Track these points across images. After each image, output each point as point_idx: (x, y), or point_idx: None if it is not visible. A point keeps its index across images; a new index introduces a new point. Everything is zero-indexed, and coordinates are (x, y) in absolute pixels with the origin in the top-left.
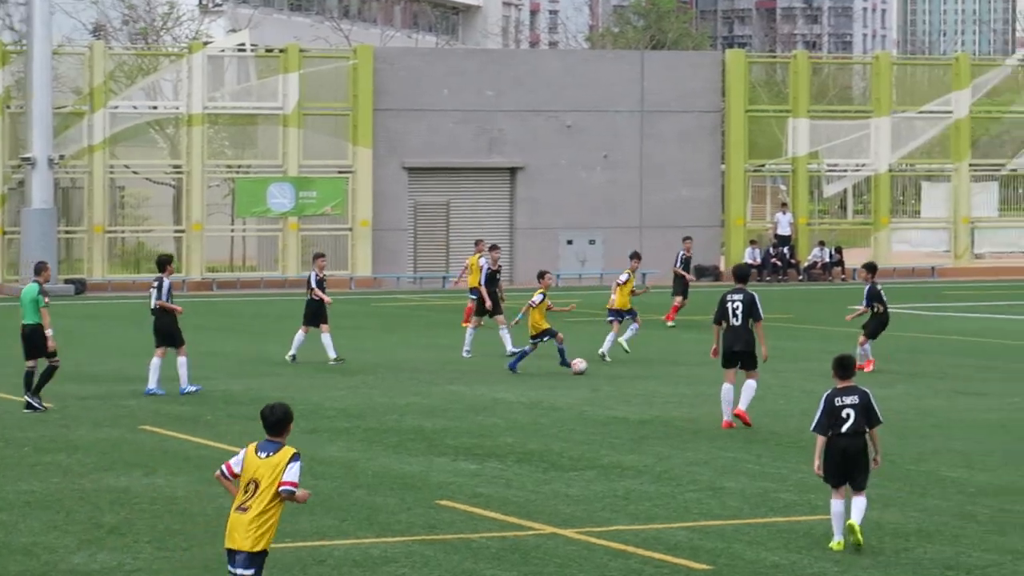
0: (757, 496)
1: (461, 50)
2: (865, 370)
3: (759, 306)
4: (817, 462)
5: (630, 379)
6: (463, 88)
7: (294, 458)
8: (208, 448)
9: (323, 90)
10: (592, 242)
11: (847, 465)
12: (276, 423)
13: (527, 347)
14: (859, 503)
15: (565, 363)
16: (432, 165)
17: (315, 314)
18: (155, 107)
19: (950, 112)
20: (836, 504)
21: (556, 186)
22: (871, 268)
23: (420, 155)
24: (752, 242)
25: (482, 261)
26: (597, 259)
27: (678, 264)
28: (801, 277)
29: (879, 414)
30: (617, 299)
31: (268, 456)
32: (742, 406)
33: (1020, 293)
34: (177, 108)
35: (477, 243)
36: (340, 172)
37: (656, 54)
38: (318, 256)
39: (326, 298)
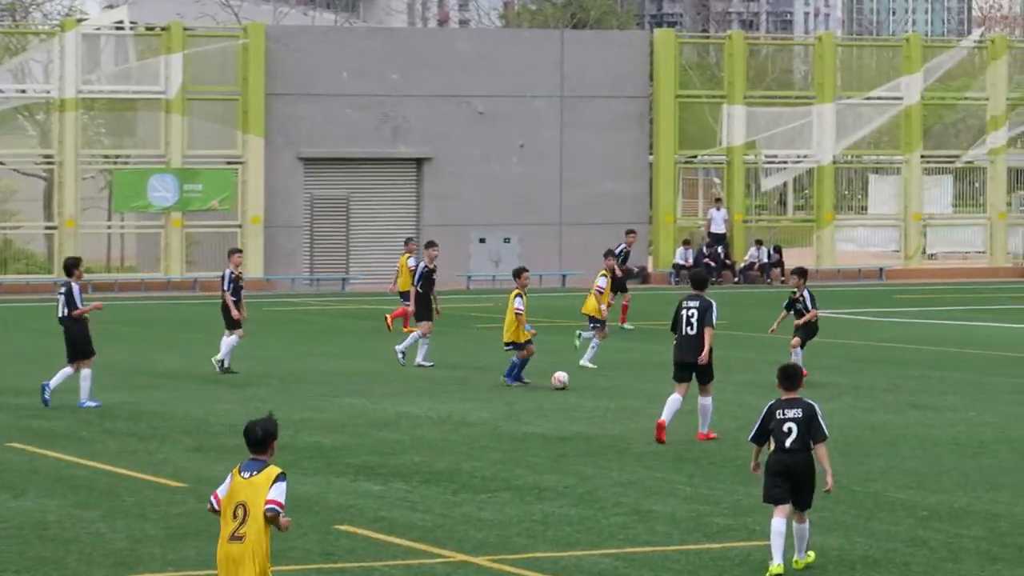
0: (689, 520)
1: (362, 29)
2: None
3: (713, 313)
4: (753, 463)
5: (549, 392)
6: (364, 71)
7: (280, 478)
8: (82, 467)
9: (210, 73)
10: (507, 241)
11: (791, 483)
12: (259, 440)
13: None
14: (801, 532)
15: (514, 378)
16: (330, 156)
17: (229, 316)
18: (23, 91)
19: (900, 98)
20: (777, 523)
21: (467, 179)
22: (802, 273)
23: (317, 145)
24: (685, 242)
25: (411, 262)
26: (512, 259)
27: (622, 257)
28: (737, 279)
29: (824, 429)
30: (592, 304)
31: (252, 476)
32: (702, 429)
33: (976, 297)
34: (48, 92)
35: (407, 242)
36: (229, 163)
37: (577, 34)
38: (234, 251)
39: (232, 308)
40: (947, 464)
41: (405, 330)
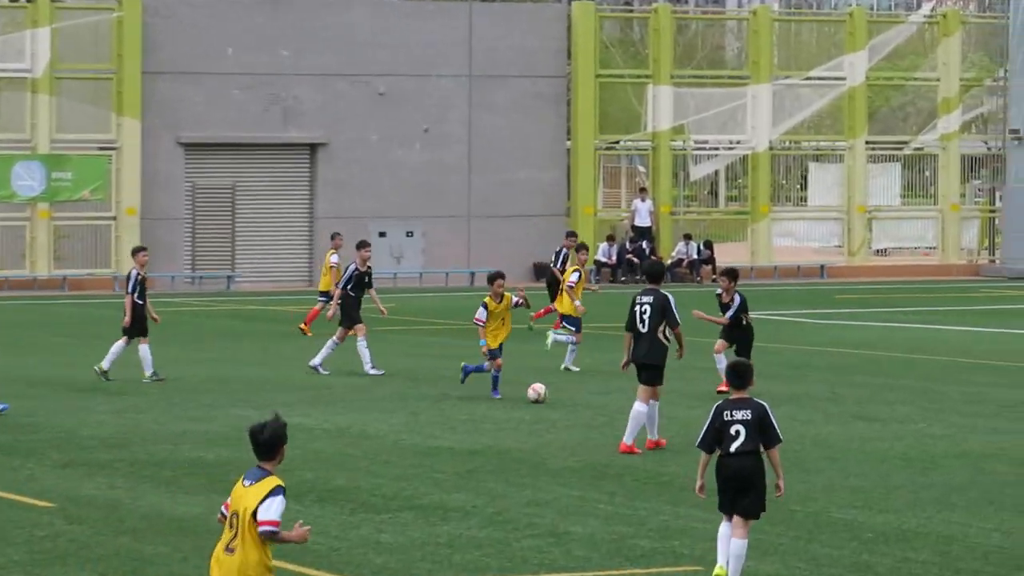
0: (609, 543)
1: (250, 0)
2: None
3: (674, 310)
4: (699, 482)
5: (456, 400)
6: (252, 47)
7: (273, 491)
8: None
9: (80, 49)
10: (409, 234)
11: (737, 489)
12: (266, 445)
13: (484, 364)
14: (737, 549)
15: (466, 376)
16: (214, 141)
17: (143, 320)
18: None
19: (843, 79)
20: (725, 527)
21: (366, 167)
22: (732, 275)
23: (200, 128)
24: (609, 238)
25: (334, 259)
26: (415, 255)
27: (558, 264)
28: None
29: (778, 432)
30: (567, 303)
31: (251, 485)
32: (650, 436)
33: (927, 297)
34: None
35: (333, 237)
36: (101, 149)
37: (487, 6)
38: (138, 250)
39: (128, 313)
40: (895, 481)
41: (300, 327)
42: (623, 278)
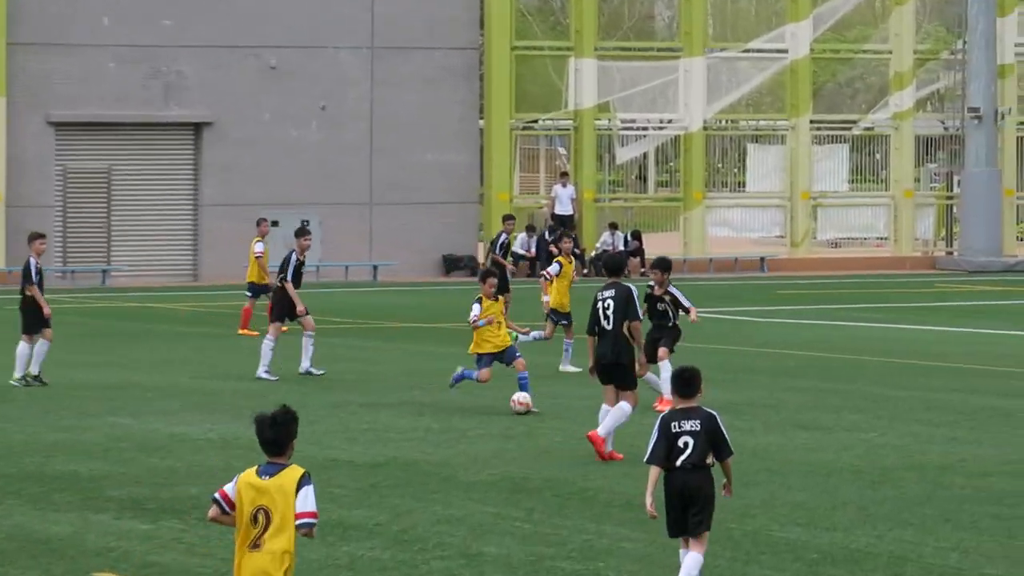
0: (527, 565)
1: None
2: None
3: (636, 302)
4: (648, 499)
5: (357, 408)
6: (129, 16)
7: (304, 480)
8: None
9: None
10: (305, 223)
11: (684, 506)
12: (273, 443)
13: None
14: (692, 562)
15: (457, 382)
16: (88, 120)
17: (36, 316)
18: None
19: (785, 51)
20: (685, 554)
21: (256, 148)
22: (665, 266)
23: (71, 106)
24: (529, 228)
25: (258, 247)
26: (312, 247)
27: (497, 249)
28: (586, 271)
29: (730, 443)
30: (553, 297)
31: (271, 477)
32: (600, 431)
33: (877, 293)
34: None
35: (259, 223)
36: None
37: None
38: (36, 237)
39: (45, 305)
40: (842, 496)
41: (240, 332)
42: (542, 273)
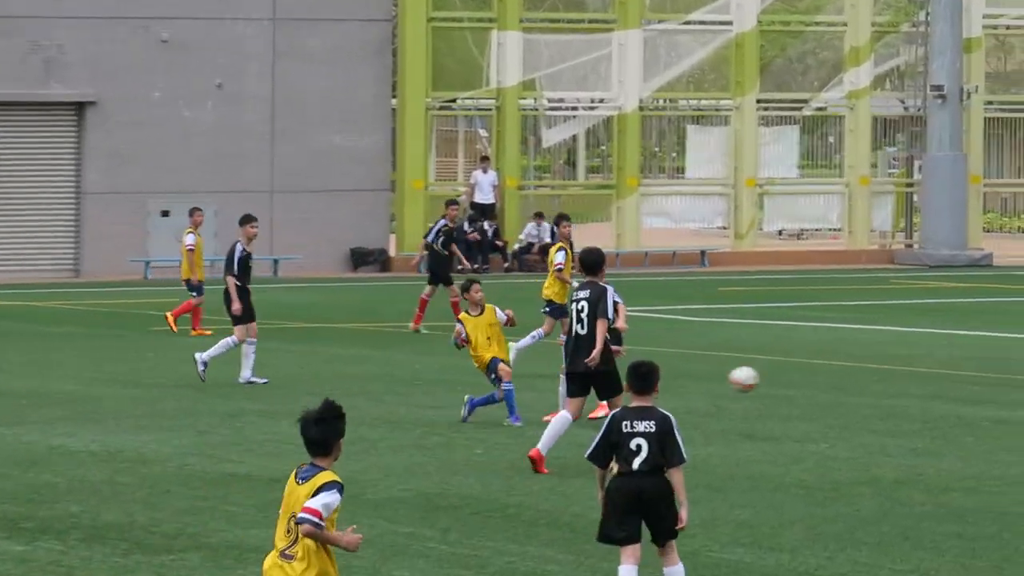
0: None
1: None
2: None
3: (607, 300)
4: (600, 494)
5: (255, 417)
6: None
7: (328, 486)
8: None
9: None
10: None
11: (643, 514)
12: (317, 442)
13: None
14: (674, 574)
15: (511, 413)
16: None
17: None
18: None
19: (729, 23)
20: (625, 571)
21: (145, 131)
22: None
23: None
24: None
25: (189, 239)
26: (208, 238)
27: (432, 236)
28: (508, 264)
29: (682, 450)
30: (550, 286)
31: (304, 482)
32: (541, 448)
33: (830, 290)
34: None
35: (192, 213)
36: None
37: None
38: None
39: None
40: (790, 514)
41: (193, 332)
42: (460, 267)
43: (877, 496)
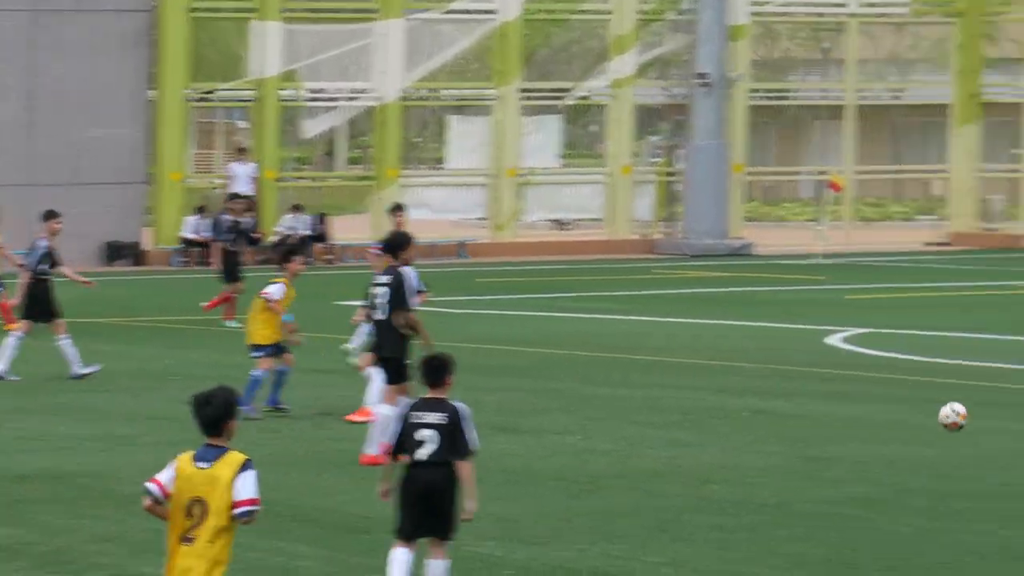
0: None
1: None
2: (357, 418)
3: (405, 287)
4: (383, 486)
5: (3, 413)
6: None
7: (245, 466)
8: None
9: None
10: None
11: (426, 508)
12: (213, 421)
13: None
14: (439, 570)
15: (275, 402)
16: None
17: None
18: None
19: (493, 12)
20: (401, 552)
21: None
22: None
23: None
24: (200, 209)
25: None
26: None
27: (222, 233)
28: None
29: (471, 441)
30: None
31: (210, 465)
32: (367, 450)
33: (590, 281)
34: None
35: None
36: None
37: None
38: None
39: None
40: (545, 507)
41: (7, 327)
42: (210, 261)
43: (633, 489)
